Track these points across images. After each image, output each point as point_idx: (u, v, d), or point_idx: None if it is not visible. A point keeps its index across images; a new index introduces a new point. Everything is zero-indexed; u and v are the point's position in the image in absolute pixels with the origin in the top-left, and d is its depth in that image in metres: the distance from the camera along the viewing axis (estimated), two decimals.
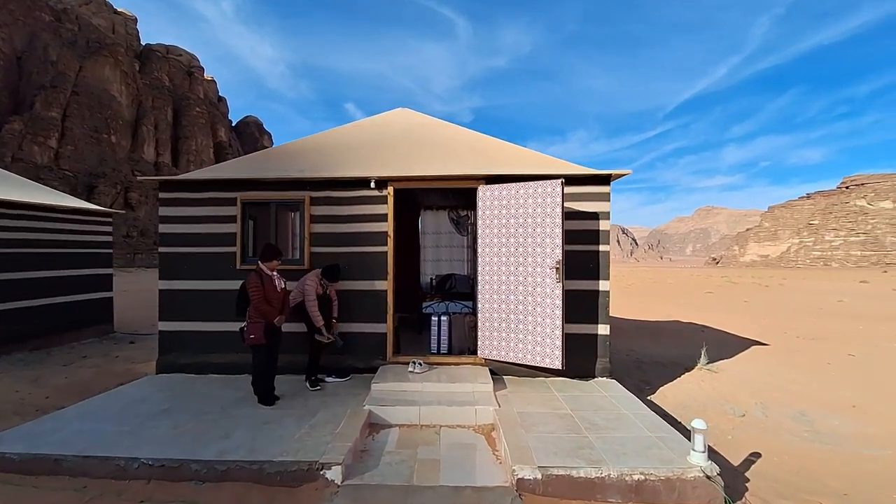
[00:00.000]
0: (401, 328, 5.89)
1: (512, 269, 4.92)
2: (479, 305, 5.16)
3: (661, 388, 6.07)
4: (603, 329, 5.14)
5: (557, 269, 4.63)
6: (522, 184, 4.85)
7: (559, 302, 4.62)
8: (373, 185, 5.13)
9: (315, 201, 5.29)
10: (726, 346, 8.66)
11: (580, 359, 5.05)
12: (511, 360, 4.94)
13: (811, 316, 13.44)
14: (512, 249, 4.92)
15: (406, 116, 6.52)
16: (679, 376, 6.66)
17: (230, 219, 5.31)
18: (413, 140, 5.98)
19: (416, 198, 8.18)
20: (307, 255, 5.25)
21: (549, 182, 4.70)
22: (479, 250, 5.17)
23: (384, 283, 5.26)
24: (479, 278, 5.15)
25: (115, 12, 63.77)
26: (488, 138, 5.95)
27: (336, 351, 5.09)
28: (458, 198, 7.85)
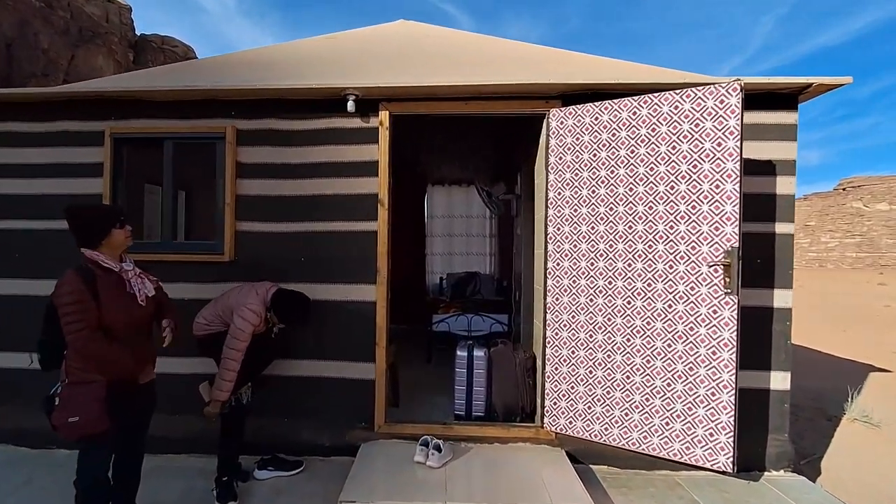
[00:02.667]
0: (398, 356, 3.48)
1: (619, 265, 2.51)
2: (548, 333, 2.76)
3: (823, 462, 3.72)
4: (779, 380, 2.73)
5: (726, 266, 2.23)
6: (646, 97, 2.45)
7: (729, 334, 2.22)
8: (351, 105, 2.72)
9: (246, 137, 2.88)
10: (835, 373, 6.29)
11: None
12: (616, 444, 2.53)
13: (881, 325, 11.18)
14: (620, 228, 2.51)
15: (410, 28, 4.15)
16: (828, 434, 4.30)
17: (93, 169, 2.92)
18: (424, 51, 3.59)
19: (420, 165, 5.82)
20: (230, 236, 2.85)
21: (708, 89, 2.30)
22: (549, 230, 2.77)
23: (371, 290, 2.86)
24: (550, 282, 2.74)
25: (109, 0, 61.75)
26: (549, 48, 3.55)
27: (281, 410, 2.73)
28: (489, 163, 5.46)
